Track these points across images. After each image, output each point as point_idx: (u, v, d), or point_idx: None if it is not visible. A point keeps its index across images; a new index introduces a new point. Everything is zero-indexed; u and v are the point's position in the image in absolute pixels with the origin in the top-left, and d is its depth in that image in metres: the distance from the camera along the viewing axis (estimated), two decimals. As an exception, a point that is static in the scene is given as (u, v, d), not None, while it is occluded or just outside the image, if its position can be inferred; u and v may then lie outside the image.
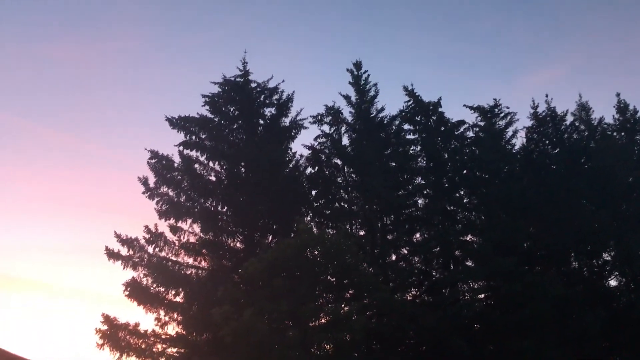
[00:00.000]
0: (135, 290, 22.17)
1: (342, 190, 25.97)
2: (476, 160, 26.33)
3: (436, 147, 26.43)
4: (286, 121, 25.83)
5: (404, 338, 22.01)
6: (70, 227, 54.53)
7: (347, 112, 27.06)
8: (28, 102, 56.20)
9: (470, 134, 27.49)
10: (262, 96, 25.96)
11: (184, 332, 22.17)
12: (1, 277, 47.34)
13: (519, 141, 29.23)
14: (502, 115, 27.99)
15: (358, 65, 27.76)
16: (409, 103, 26.98)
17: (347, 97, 27.14)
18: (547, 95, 30.49)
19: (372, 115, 26.94)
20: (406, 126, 27.09)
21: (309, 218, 25.06)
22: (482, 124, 27.72)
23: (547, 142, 29.02)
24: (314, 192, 26.05)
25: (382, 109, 27.02)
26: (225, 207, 24.32)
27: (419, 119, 26.93)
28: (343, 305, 20.81)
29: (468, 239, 25.37)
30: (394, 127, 26.92)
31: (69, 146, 55.83)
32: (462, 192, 26.58)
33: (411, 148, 26.72)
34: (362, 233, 25.20)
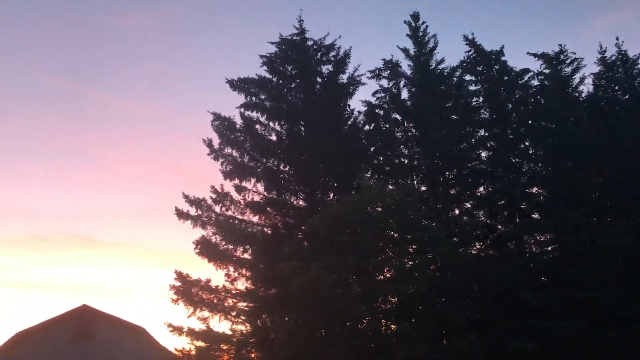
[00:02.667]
0: (205, 248, 23.13)
1: (402, 146, 25.77)
2: (541, 110, 25.45)
3: (499, 98, 25.69)
4: (344, 78, 25.69)
5: (469, 291, 22.02)
6: (141, 191, 56.84)
7: (405, 66, 26.61)
8: (94, 71, 58.06)
9: (534, 82, 26.52)
10: (319, 54, 25.82)
11: (253, 287, 23.06)
12: (85, 240, 50.21)
13: (587, 88, 28.00)
14: (568, 61, 26.75)
15: (416, 16, 27.06)
16: (470, 53, 26.21)
17: (405, 50, 26.61)
18: (617, 39, 28.66)
19: (432, 67, 26.35)
20: (467, 77, 26.40)
21: (369, 174, 25.08)
22: (547, 71, 26.61)
23: (617, 88, 27.59)
24: (373, 148, 25.98)
25: (442, 61, 26.39)
26: (287, 166, 24.73)
27: (480, 69, 26.15)
28: (407, 260, 21.04)
29: (534, 191, 24.83)
30: (454, 78, 26.27)
31: (136, 113, 57.66)
32: (527, 143, 25.86)
33: (473, 100, 26.08)
34: (423, 188, 25.07)
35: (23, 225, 55.70)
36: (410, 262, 20.34)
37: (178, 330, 21.97)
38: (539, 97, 26.09)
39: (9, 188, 54.22)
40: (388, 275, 20.66)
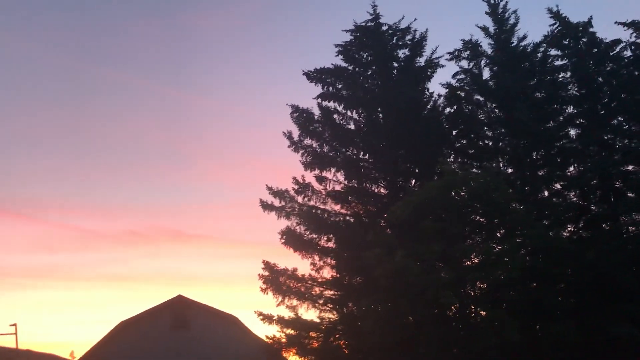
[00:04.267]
0: (290, 238, 23.60)
1: (485, 128, 24.94)
2: (635, 82, 23.82)
3: (589, 72, 24.22)
4: (421, 61, 25.22)
5: (563, 275, 21.11)
6: (226, 184, 58.62)
7: (485, 45, 25.59)
8: (170, 70, 60.32)
9: (627, 53, 24.80)
10: (395, 38, 25.46)
11: (338, 276, 23.31)
12: (176, 234, 52.66)
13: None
14: (663, 28, 24.80)
15: (494, -7, 26.02)
16: (555, 26, 24.81)
17: (484, 29, 25.65)
18: None
19: (514, 44, 25.27)
20: (552, 52, 24.99)
21: (451, 159, 24.56)
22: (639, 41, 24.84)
23: None
24: (454, 132, 25.38)
25: (524, 37, 25.19)
26: (367, 154, 24.67)
27: (566, 42, 24.72)
28: (495, 245, 20.49)
29: (630, 168, 23.34)
30: (538, 54, 25.04)
31: (217, 110, 59.39)
32: (620, 119, 24.30)
33: (560, 75, 24.72)
34: (510, 170, 24.23)
35: (119, 222, 58.93)
36: (499, 247, 19.79)
37: (268, 318, 22.62)
38: (632, 69, 24.42)
39: (105, 187, 57.54)
40: (476, 261, 20.23)
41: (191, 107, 57.80)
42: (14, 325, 26.57)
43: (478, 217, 21.42)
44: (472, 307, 20.91)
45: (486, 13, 25.95)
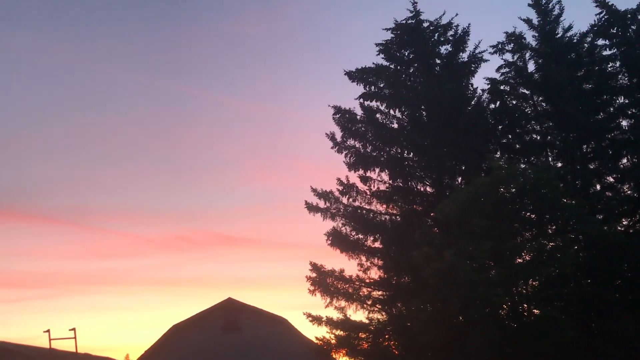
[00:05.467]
0: (336, 239, 23.63)
1: (532, 122, 24.41)
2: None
3: (639, 60, 23.45)
4: (464, 56, 24.82)
5: (618, 271, 20.45)
6: (270, 187, 59.31)
7: (529, 37, 25.02)
8: (216, 77, 61.28)
9: (681, 38, 23.85)
10: (436, 34, 25.16)
11: (386, 276, 23.19)
12: (223, 237, 53.52)
13: None
14: None
15: (537, -16, 25.42)
16: (602, 15, 24.06)
17: (528, 21, 25.10)
18: None
19: (559, 35, 24.64)
20: (600, 42, 24.25)
21: (498, 154, 24.12)
22: (694, 25, 23.84)
23: None
24: (500, 127, 24.92)
25: (570, 27, 24.53)
26: (411, 153, 24.45)
27: (614, 31, 23.97)
28: (546, 241, 20.01)
29: (688, 159, 22.46)
30: (585, 45, 24.33)
31: (259, 113, 60.20)
32: (675, 107, 23.41)
33: (609, 65, 23.99)
34: (559, 164, 23.63)
35: (168, 227, 60.43)
36: (550, 244, 19.32)
37: (317, 320, 22.67)
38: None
39: (154, 194, 58.99)
40: (527, 258, 19.81)
41: (235, 112, 58.80)
42: (73, 329, 27.49)
43: (528, 214, 20.96)
44: (525, 305, 20.49)
45: (529, 5, 25.40)
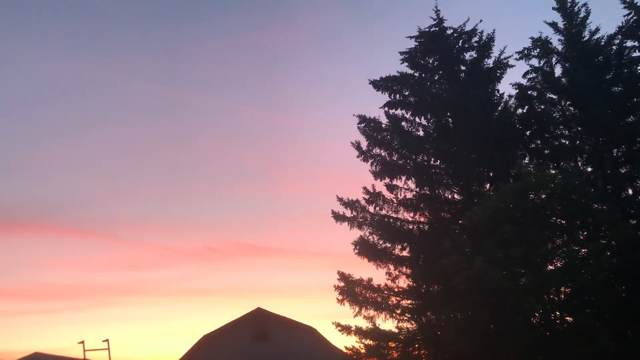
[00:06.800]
0: (364, 248, 23.59)
1: (560, 126, 24.09)
2: None
3: (670, 61, 23.03)
4: (489, 62, 24.69)
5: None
6: (296, 197, 59.51)
7: (555, 41, 24.81)
8: (240, 87, 61.99)
9: None
10: (460, 41, 25.11)
11: (415, 285, 23.04)
12: (251, 247, 53.92)
13: None
14: None
15: (562, -13, 25.18)
16: (630, 16, 23.66)
17: (553, 25, 24.86)
18: None
19: (585, 39, 24.34)
20: (629, 43, 23.90)
21: (526, 160, 23.86)
22: None
23: None
24: (528, 133, 24.63)
25: (597, 30, 24.20)
26: (438, 160, 24.35)
27: (643, 32, 23.61)
28: (578, 247, 19.69)
29: None
30: (613, 47, 23.96)
31: (284, 125, 60.61)
32: None
33: (638, 67, 23.61)
34: (589, 169, 23.25)
35: (195, 238, 61.01)
36: (583, 250, 19.01)
37: (346, 329, 22.62)
38: None
39: (181, 205, 59.69)
40: (559, 264, 19.51)
41: (261, 123, 59.27)
42: (106, 340, 27.93)
43: (559, 220, 20.67)
44: (557, 312, 20.16)
45: (554, 9, 25.18)
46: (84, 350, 27.80)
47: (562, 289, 19.61)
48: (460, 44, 25.07)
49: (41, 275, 57.37)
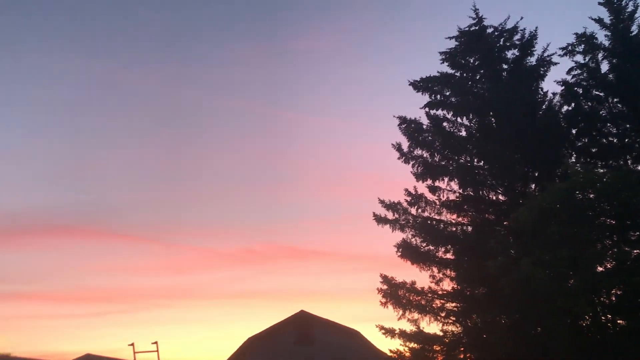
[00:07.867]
0: (406, 251, 23.43)
1: (608, 124, 23.41)
2: None
3: None
4: (532, 60, 24.16)
5: None
6: (337, 200, 59.61)
7: (601, 37, 24.04)
8: (277, 92, 62.60)
9: None
10: (502, 39, 24.68)
11: (459, 287, 22.75)
12: (291, 250, 54.31)
13: None
14: None
15: (607, -19, 24.49)
16: (680, 10, 22.95)
17: (599, 20, 24.13)
18: None
19: (633, 34, 23.50)
20: (680, 36, 23.12)
21: (573, 159, 23.28)
22: None
23: None
24: (574, 131, 24.02)
25: (645, 25, 23.51)
26: (481, 161, 24.00)
27: (697, 25, 22.76)
28: (630, 248, 19.12)
29: None
30: (663, 41, 23.24)
31: (323, 127, 60.86)
32: None
33: (691, 61, 22.78)
34: (639, 167, 22.52)
35: (237, 241, 61.90)
36: (635, 251, 18.43)
37: (390, 332, 22.51)
38: None
39: (222, 209, 60.58)
40: (608, 266, 18.98)
41: (301, 126, 59.69)
42: (155, 343, 28.56)
43: (608, 220, 20.10)
44: (609, 315, 19.59)
45: (599, 3, 24.44)
46: (134, 352, 28.52)
47: (613, 291, 19.05)
48: (501, 43, 24.66)
49: (92, 279, 59.06)
